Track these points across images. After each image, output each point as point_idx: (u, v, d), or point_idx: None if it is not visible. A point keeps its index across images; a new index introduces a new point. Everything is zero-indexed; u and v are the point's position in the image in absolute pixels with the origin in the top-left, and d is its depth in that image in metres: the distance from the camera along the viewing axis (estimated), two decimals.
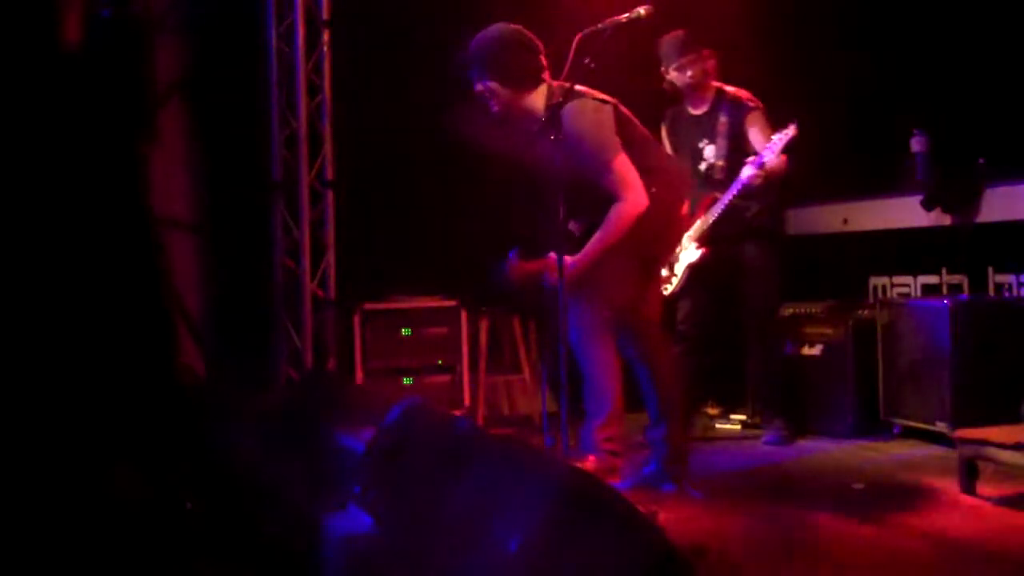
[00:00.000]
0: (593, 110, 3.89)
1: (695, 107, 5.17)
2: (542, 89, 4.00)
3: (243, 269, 6.01)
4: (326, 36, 6.00)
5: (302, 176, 5.95)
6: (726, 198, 4.94)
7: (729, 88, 5.12)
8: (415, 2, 5.95)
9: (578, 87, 3.82)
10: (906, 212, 5.72)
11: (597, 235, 3.88)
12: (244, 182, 5.96)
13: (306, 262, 5.95)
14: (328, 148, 6.03)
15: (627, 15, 3.85)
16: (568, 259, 3.84)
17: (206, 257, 6.09)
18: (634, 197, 3.85)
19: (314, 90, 6.01)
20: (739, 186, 4.87)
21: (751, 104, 5.04)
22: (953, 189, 5.40)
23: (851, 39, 5.89)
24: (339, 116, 6.04)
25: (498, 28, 4.00)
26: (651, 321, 4.12)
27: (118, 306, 1.64)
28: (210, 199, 6.04)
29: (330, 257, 6.04)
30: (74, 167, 1.61)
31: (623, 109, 4.00)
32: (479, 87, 3.99)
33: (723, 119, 5.02)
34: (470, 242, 5.83)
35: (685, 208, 4.26)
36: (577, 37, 3.82)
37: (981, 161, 5.28)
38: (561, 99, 3.75)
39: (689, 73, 5.04)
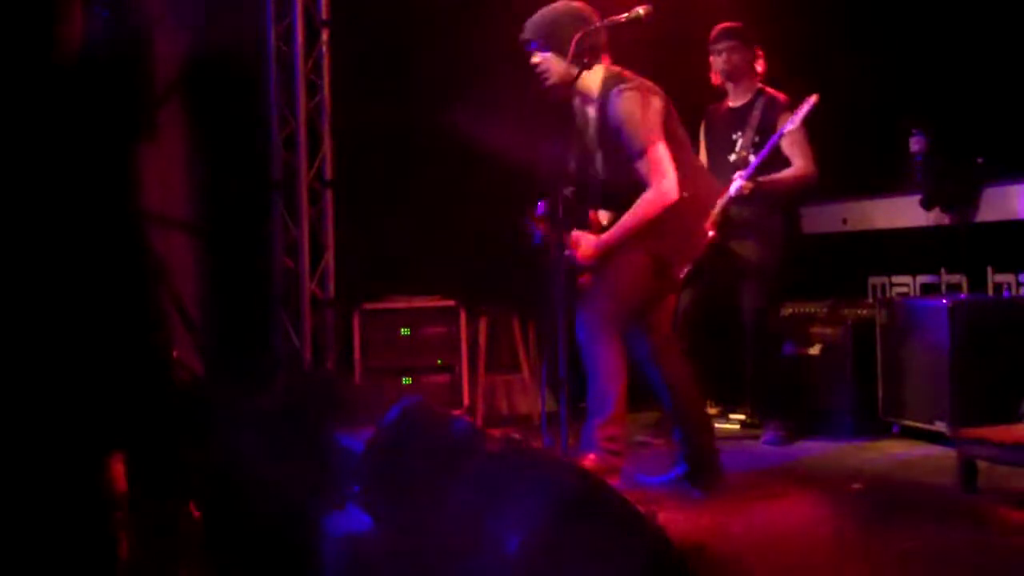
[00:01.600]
0: (644, 94, 3.91)
1: (734, 100, 5.25)
2: (599, 70, 4.00)
3: (242, 268, 6.01)
4: (325, 36, 6.01)
5: (301, 176, 5.95)
6: (742, 178, 4.95)
7: (771, 89, 5.16)
8: (415, 2, 5.95)
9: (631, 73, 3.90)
10: (905, 212, 5.72)
11: (624, 218, 3.89)
12: (243, 182, 5.96)
13: (305, 261, 5.95)
14: (327, 148, 6.03)
15: (626, 15, 3.87)
16: (592, 238, 3.92)
17: (206, 257, 6.09)
18: (666, 185, 3.85)
19: (313, 90, 6.01)
20: (755, 164, 4.90)
21: (784, 104, 5.08)
22: (952, 189, 5.40)
23: (850, 39, 5.89)
24: (338, 116, 6.04)
25: (562, 2, 4.00)
26: (661, 331, 4.10)
27: (109, 304, 1.63)
28: (210, 199, 6.04)
29: (329, 257, 6.04)
30: (68, 168, 1.61)
31: (671, 105, 4.02)
32: (536, 58, 3.99)
33: (756, 113, 5.10)
34: (470, 242, 5.84)
35: (709, 223, 4.29)
36: (576, 36, 3.84)
37: (980, 161, 5.28)
38: (617, 85, 3.85)
39: (725, 57, 5.14)
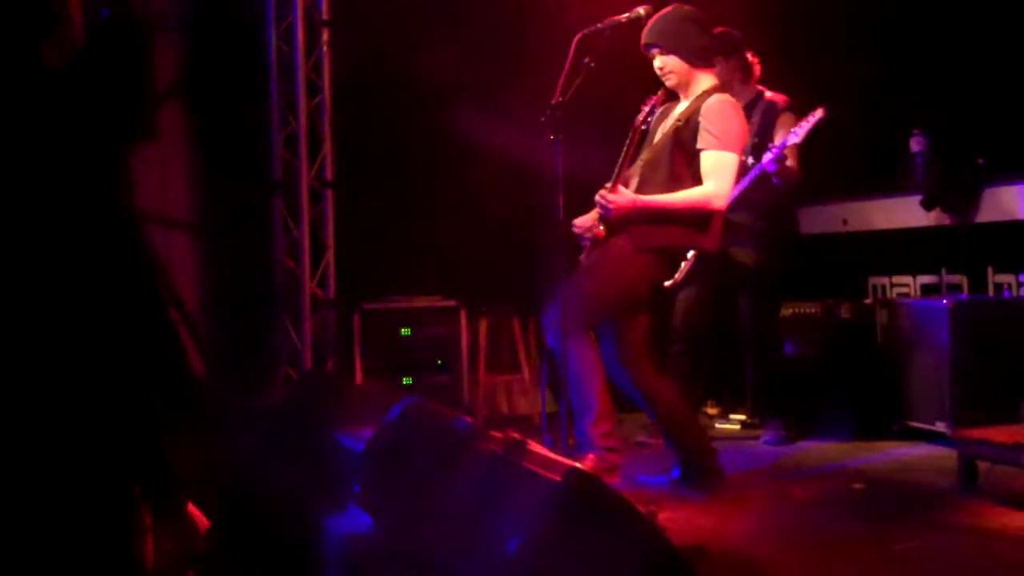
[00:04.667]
0: (741, 113, 4.06)
1: None
2: (710, 73, 4.11)
3: (243, 269, 6.01)
4: (326, 36, 6.00)
5: (302, 176, 5.95)
6: (743, 185, 4.90)
7: (769, 92, 5.11)
8: (415, 2, 5.95)
9: None
10: (906, 212, 5.73)
11: (671, 194, 3.92)
12: (244, 182, 5.96)
13: (306, 262, 5.95)
14: (328, 148, 6.03)
15: (627, 15, 3.87)
16: (631, 194, 3.92)
17: (206, 257, 6.09)
18: (721, 190, 3.92)
19: (314, 90, 6.01)
20: (758, 171, 4.86)
21: (784, 106, 5.03)
22: (952, 189, 5.40)
23: (851, 40, 5.89)
24: (339, 116, 6.04)
25: (680, 7, 4.08)
26: (634, 344, 4.08)
27: (105, 309, 1.63)
28: (210, 199, 6.04)
29: (330, 257, 6.04)
30: (64, 171, 1.60)
31: None
32: (659, 62, 4.06)
33: (755, 118, 5.02)
34: (470, 242, 5.84)
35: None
36: (577, 37, 3.83)
37: (980, 161, 5.29)
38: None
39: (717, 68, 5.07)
